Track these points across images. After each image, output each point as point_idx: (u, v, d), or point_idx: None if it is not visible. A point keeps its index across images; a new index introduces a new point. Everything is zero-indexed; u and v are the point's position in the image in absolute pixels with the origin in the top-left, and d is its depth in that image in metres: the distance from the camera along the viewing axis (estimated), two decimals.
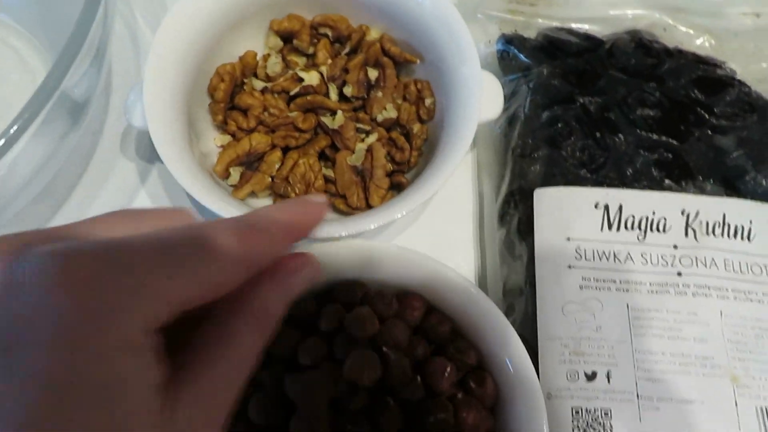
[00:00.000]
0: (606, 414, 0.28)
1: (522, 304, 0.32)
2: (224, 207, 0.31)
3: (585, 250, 0.31)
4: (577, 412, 0.28)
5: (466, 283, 0.30)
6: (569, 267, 0.31)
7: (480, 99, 0.32)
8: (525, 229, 0.33)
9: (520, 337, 0.30)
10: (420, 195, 0.30)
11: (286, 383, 0.27)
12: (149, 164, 0.38)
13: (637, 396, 0.28)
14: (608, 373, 0.29)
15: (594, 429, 0.28)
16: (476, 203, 0.39)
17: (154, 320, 0.16)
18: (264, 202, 0.35)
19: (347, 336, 0.29)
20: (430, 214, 0.38)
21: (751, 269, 0.31)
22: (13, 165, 0.29)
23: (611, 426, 0.28)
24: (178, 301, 0.17)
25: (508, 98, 0.37)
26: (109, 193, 0.38)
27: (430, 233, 0.38)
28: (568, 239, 0.32)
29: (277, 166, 0.34)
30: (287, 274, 0.22)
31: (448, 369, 0.28)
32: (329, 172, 0.34)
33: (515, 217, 0.34)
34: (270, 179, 0.34)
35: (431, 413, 0.27)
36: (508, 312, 0.33)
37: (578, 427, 0.28)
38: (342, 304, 0.30)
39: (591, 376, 0.29)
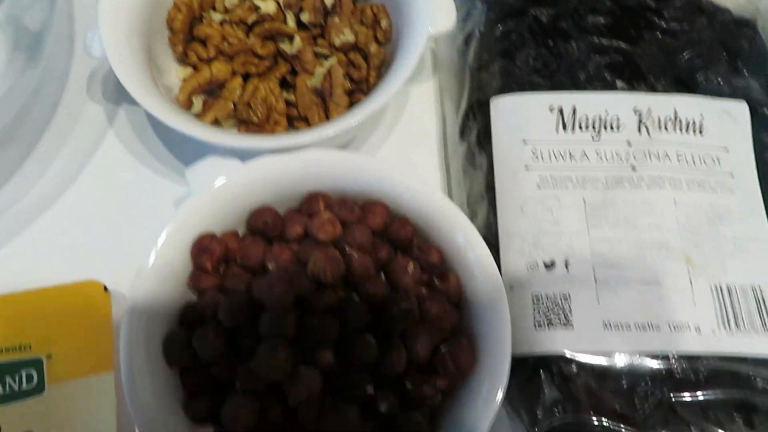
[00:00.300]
0: (565, 298, 0.29)
1: (484, 208, 0.33)
2: (192, 128, 0.31)
3: (541, 152, 0.32)
4: (537, 299, 0.29)
5: (427, 187, 0.30)
6: (526, 168, 0.32)
7: (430, 11, 0.32)
8: (484, 139, 0.34)
9: (483, 239, 0.31)
10: (374, 104, 0.31)
11: (254, 286, 0.28)
12: (116, 106, 0.39)
13: (595, 280, 0.29)
14: (566, 262, 0.30)
15: (554, 312, 0.29)
16: (440, 129, 0.40)
17: None
18: (228, 130, 0.36)
19: (311, 240, 0.30)
20: (395, 140, 0.39)
21: (704, 161, 0.32)
22: None
23: (570, 308, 0.29)
24: None
25: (465, 19, 0.38)
26: (77, 136, 0.38)
27: (396, 159, 0.38)
28: (525, 142, 0.32)
29: (238, 93, 0.34)
30: None
31: (411, 266, 0.29)
32: (290, 97, 0.35)
33: (474, 129, 0.35)
34: (232, 105, 0.34)
35: (396, 304, 0.28)
36: (471, 220, 0.33)
37: (539, 311, 0.29)
38: (306, 215, 0.31)
39: (550, 265, 0.30)
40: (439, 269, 0.30)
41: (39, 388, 0.31)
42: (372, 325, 0.28)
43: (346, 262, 0.28)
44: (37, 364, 0.31)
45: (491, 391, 0.27)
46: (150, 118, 0.38)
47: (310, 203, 0.31)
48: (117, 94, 0.39)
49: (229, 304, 0.28)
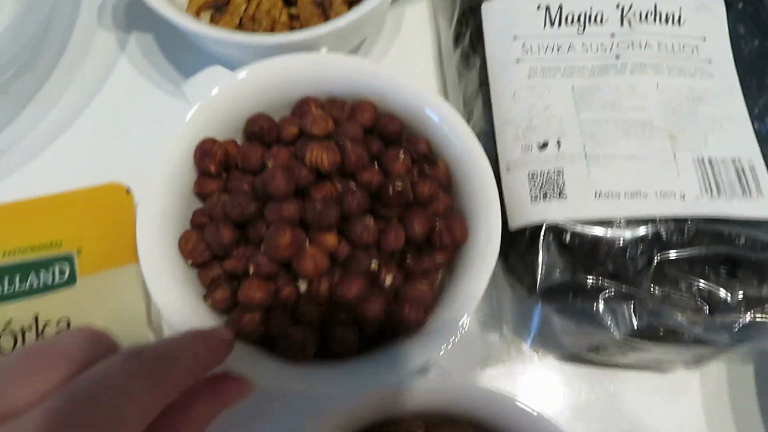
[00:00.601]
0: (558, 173, 0.31)
1: (479, 104, 0.35)
2: (202, 28, 0.33)
3: (531, 46, 0.34)
4: (533, 176, 0.31)
5: (414, 85, 0.32)
6: (517, 61, 0.34)
7: None
8: (476, 40, 0.36)
9: (481, 133, 0.33)
10: (368, 5, 0.33)
11: (256, 180, 0.30)
12: (127, 33, 0.41)
13: (585, 156, 0.32)
14: (558, 142, 0.32)
15: (549, 187, 0.31)
16: (435, 44, 0.42)
17: None
18: None
19: (306, 138, 0.31)
20: (391, 59, 0.41)
21: (683, 48, 0.34)
22: None
23: (564, 182, 0.31)
24: None
25: None
26: (91, 63, 0.40)
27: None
28: (515, 38, 0.35)
29: (243, 7, 0.36)
30: (223, 396, 0.24)
31: (401, 154, 0.31)
32: (293, 10, 0.37)
33: (467, 34, 0.37)
34: (238, 20, 0.36)
35: (390, 187, 0.29)
36: (468, 119, 0.36)
37: (535, 187, 0.31)
38: (299, 117, 0.33)
39: (543, 146, 0.32)
40: (428, 157, 0.32)
41: (71, 280, 0.33)
42: (370, 211, 0.30)
43: (341, 152, 0.30)
44: (68, 258, 0.33)
45: (486, 258, 0.29)
46: (159, 40, 0.40)
47: (302, 106, 0.33)
48: (127, 22, 0.41)
49: (235, 197, 0.30)
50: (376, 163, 0.32)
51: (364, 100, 0.33)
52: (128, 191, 0.35)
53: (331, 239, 0.29)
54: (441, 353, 0.28)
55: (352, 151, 0.30)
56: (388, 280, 0.30)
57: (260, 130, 0.32)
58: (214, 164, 0.31)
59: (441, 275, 0.32)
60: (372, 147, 0.32)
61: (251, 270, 0.29)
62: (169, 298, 0.29)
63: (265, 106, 0.33)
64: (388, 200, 0.30)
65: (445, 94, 0.40)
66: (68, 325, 0.32)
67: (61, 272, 0.33)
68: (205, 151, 0.31)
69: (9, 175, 0.37)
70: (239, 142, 0.33)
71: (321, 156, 0.29)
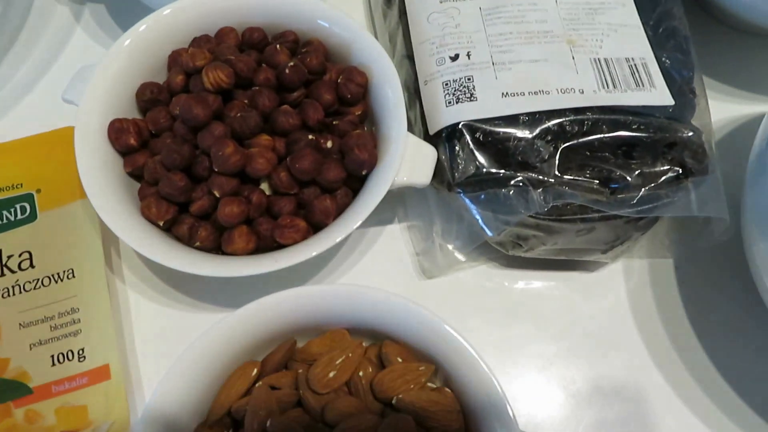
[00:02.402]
0: (469, 80, 0.34)
1: (399, 32, 0.38)
2: None
3: None
4: (446, 84, 0.35)
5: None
6: None
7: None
8: None
9: (402, 57, 0.36)
10: None
11: (175, 126, 0.34)
12: (81, 5, 0.45)
13: (492, 64, 0.35)
14: (468, 53, 0.35)
15: (461, 92, 0.34)
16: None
17: None
18: None
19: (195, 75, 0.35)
20: None
21: None
22: None
23: (474, 86, 0.34)
24: None
25: None
26: (49, 33, 0.44)
27: None
28: None
29: None
30: None
31: (278, 45, 0.35)
32: None
33: None
34: None
35: (285, 70, 0.34)
36: (392, 50, 0.39)
37: (449, 93, 0.34)
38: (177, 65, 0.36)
39: (454, 58, 0.35)
40: (297, 42, 0.37)
41: (32, 217, 0.36)
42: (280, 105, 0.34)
43: (231, 66, 0.33)
44: (28, 198, 0.36)
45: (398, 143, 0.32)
46: (110, 10, 0.44)
47: (174, 57, 0.36)
48: None
49: (168, 149, 0.32)
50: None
51: (288, 30, 0.36)
52: None
53: (264, 138, 0.32)
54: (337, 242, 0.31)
55: (238, 60, 0.33)
56: (329, 143, 0.33)
57: (152, 94, 0.34)
58: (134, 136, 0.33)
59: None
60: (251, 57, 0.35)
61: (218, 194, 0.32)
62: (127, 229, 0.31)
63: (186, 40, 0.36)
64: (290, 82, 0.33)
65: (375, 37, 0.43)
66: (30, 256, 0.35)
67: (23, 210, 0.36)
68: (119, 129, 0.33)
69: None
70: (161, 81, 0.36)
71: (217, 75, 0.33)
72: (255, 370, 0.30)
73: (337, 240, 0.31)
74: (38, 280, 0.34)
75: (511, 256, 0.36)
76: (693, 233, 0.36)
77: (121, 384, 0.32)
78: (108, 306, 0.34)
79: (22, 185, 0.36)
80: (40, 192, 0.36)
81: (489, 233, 0.33)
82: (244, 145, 0.33)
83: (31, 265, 0.34)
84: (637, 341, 0.36)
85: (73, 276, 0.34)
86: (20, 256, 0.34)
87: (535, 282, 0.38)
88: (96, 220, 0.36)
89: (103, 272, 0.34)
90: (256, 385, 0.29)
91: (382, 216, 0.39)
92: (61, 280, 0.34)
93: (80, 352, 0.32)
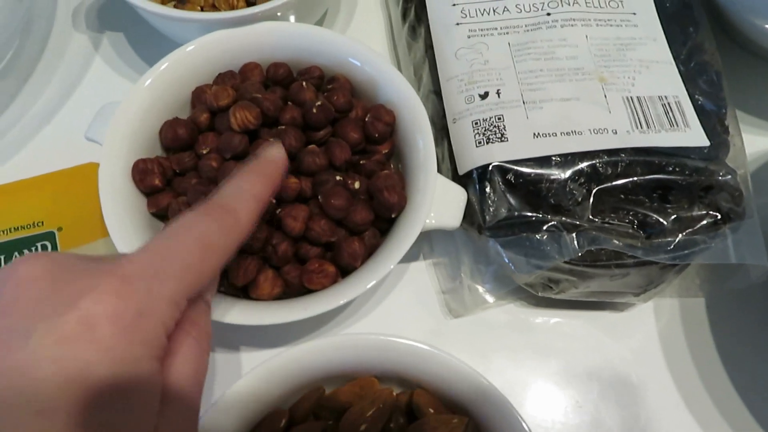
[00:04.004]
0: (499, 119, 0.34)
1: (426, 67, 0.38)
2: (170, 11, 0.36)
3: (468, 10, 0.37)
4: (476, 123, 0.34)
5: (335, 35, 0.36)
6: (457, 24, 0.37)
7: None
8: (420, 12, 0.39)
9: (429, 92, 0.36)
10: None
11: (201, 162, 0.33)
12: (100, 34, 0.44)
13: (523, 102, 0.34)
14: (498, 91, 0.35)
15: (491, 132, 0.34)
16: (387, 27, 0.45)
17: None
18: None
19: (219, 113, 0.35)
20: None
21: (609, 3, 0.37)
22: None
23: (504, 126, 0.34)
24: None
25: None
26: (68, 62, 0.43)
27: None
28: (454, 5, 0.38)
29: None
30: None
31: (303, 83, 0.34)
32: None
33: (412, 8, 0.40)
34: (200, 9, 0.39)
35: (312, 109, 0.33)
36: (418, 83, 0.38)
37: (479, 133, 0.34)
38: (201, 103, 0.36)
39: (484, 96, 0.35)
40: (323, 79, 0.36)
41: None
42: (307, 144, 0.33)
43: (257, 104, 0.33)
44: (50, 236, 0.36)
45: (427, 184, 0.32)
46: (129, 38, 0.43)
47: (198, 95, 0.36)
48: (99, 24, 0.44)
49: (194, 188, 0.31)
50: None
51: (313, 66, 0.36)
52: None
53: (292, 181, 0.31)
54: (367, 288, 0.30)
55: (264, 98, 0.33)
56: (357, 184, 0.32)
57: (176, 135, 0.34)
58: (158, 177, 0.33)
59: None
60: (276, 93, 0.34)
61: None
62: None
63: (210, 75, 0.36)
64: (316, 122, 0.33)
65: (399, 68, 0.42)
66: None
67: (44, 249, 0.35)
68: (143, 170, 0.33)
69: None
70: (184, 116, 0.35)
71: (245, 115, 0.32)
72: (283, 421, 0.29)
73: (367, 288, 0.30)
74: None
75: (540, 296, 0.35)
76: (726, 273, 0.35)
77: None
78: None
79: (43, 223, 0.36)
80: (62, 230, 0.36)
81: (520, 277, 0.33)
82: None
83: None
84: (668, 382, 0.35)
85: None
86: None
87: (563, 321, 0.37)
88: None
89: None
90: None
91: (407, 253, 0.38)
92: None
93: None
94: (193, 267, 0.21)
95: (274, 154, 0.26)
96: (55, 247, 0.35)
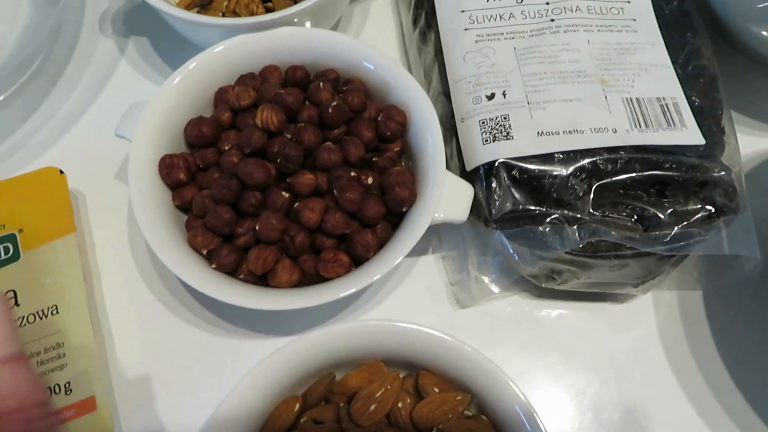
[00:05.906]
0: (505, 118, 0.36)
1: (436, 70, 0.40)
2: (195, 16, 0.38)
3: (476, 17, 0.39)
4: (483, 123, 0.36)
5: (350, 40, 0.38)
6: (465, 29, 0.39)
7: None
8: (430, 18, 0.41)
9: (439, 94, 0.38)
10: None
11: (223, 157, 0.35)
12: (125, 38, 0.46)
13: (528, 103, 0.36)
14: (504, 93, 0.37)
15: (497, 130, 0.35)
16: (398, 33, 0.47)
17: None
18: None
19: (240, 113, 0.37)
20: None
21: (610, 11, 0.39)
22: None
23: (510, 125, 0.35)
24: None
25: None
26: (95, 65, 0.46)
27: None
28: (462, 11, 0.40)
29: (225, 4, 0.42)
30: None
31: (320, 84, 0.37)
32: (269, 4, 0.42)
33: (423, 14, 0.42)
34: (221, 15, 0.42)
35: (328, 109, 0.35)
36: (428, 85, 0.40)
37: (486, 131, 0.36)
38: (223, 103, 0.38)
39: (490, 97, 0.37)
40: (339, 80, 0.38)
41: (15, 257, 0.36)
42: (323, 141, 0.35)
43: (281, 100, 0.35)
44: (11, 238, 0.37)
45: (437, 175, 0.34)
46: (153, 43, 0.45)
47: (221, 95, 0.38)
48: (125, 29, 0.46)
49: (217, 184, 0.33)
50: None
51: (329, 68, 0.38)
52: (61, 172, 0.39)
53: (308, 177, 0.33)
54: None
55: (288, 93, 0.35)
56: (370, 180, 0.34)
57: (200, 133, 0.36)
58: (183, 172, 0.35)
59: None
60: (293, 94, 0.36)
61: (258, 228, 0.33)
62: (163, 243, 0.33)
63: (232, 77, 0.38)
64: (332, 121, 0.35)
65: (410, 71, 0.44)
66: (15, 295, 0.35)
67: (6, 250, 0.36)
68: (170, 165, 0.35)
69: (29, 163, 0.42)
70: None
71: (270, 116, 0.34)
72: (297, 405, 0.31)
73: (378, 277, 0.32)
74: (24, 317, 0.34)
75: (544, 287, 0.37)
76: (722, 266, 0.37)
77: (108, 415, 0.33)
78: (91, 340, 0.34)
79: (4, 226, 0.37)
80: (23, 232, 0.37)
81: (524, 268, 0.34)
82: (288, 183, 0.34)
83: (17, 304, 0.35)
84: (667, 372, 0.37)
85: (57, 312, 0.35)
86: (6, 295, 0.35)
87: (566, 313, 0.39)
88: (77, 256, 0.36)
89: (85, 307, 0.35)
90: (301, 420, 0.30)
91: (416, 246, 0.39)
92: (46, 317, 0.34)
93: (66, 385, 0.33)
94: None
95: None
96: (16, 248, 0.36)
